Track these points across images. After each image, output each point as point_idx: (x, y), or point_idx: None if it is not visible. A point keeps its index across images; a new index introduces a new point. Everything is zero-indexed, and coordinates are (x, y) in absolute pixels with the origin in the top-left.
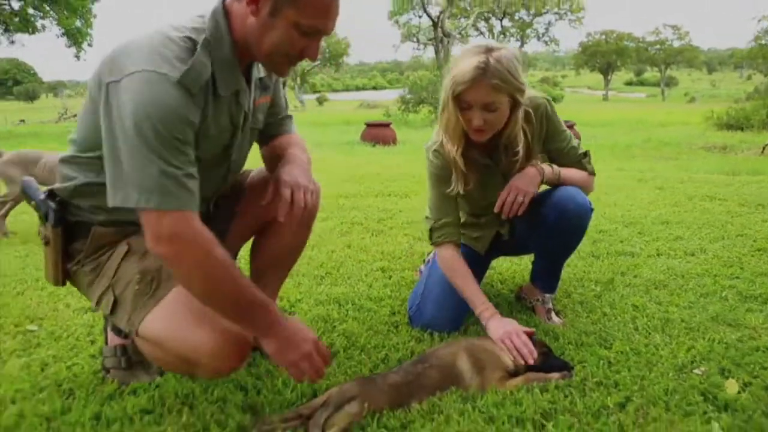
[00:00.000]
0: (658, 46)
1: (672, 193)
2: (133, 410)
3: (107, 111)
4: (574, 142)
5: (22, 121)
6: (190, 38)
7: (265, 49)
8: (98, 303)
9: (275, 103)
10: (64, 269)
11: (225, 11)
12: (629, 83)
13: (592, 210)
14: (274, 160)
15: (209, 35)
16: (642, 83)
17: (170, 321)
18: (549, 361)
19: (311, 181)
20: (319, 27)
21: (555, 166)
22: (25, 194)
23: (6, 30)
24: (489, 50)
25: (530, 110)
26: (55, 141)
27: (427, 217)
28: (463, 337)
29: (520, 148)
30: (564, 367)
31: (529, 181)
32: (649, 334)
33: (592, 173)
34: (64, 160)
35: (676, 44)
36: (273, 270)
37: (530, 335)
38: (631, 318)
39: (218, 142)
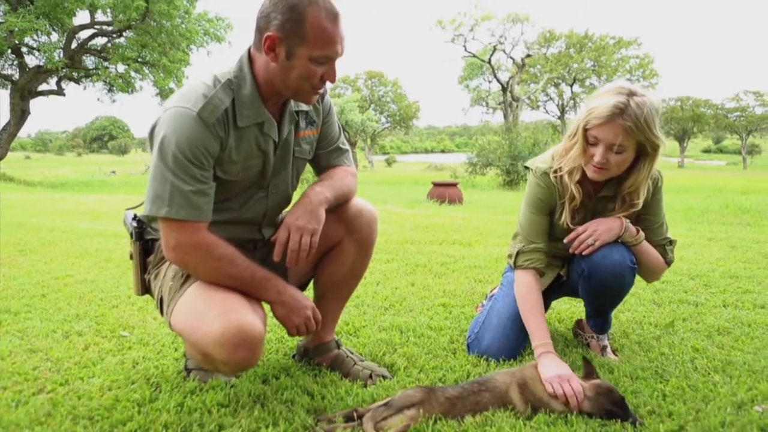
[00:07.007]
0: (738, 113)
1: (745, 252)
2: (212, 403)
3: (153, 140)
4: (666, 225)
5: (113, 172)
6: (216, 79)
7: (292, 86)
8: (157, 306)
9: (325, 135)
10: (143, 280)
11: (249, 57)
12: (707, 151)
13: (632, 267)
14: None
15: (233, 76)
16: (721, 151)
17: (187, 311)
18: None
19: (311, 221)
20: (329, 54)
21: (642, 232)
22: (124, 222)
23: (110, 90)
24: (632, 93)
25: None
26: (140, 190)
27: (515, 236)
28: (522, 366)
29: (640, 202)
30: (634, 422)
31: (608, 228)
32: (708, 373)
33: (669, 263)
34: None
35: (759, 111)
36: (334, 293)
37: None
38: (690, 359)
39: (247, 167)
